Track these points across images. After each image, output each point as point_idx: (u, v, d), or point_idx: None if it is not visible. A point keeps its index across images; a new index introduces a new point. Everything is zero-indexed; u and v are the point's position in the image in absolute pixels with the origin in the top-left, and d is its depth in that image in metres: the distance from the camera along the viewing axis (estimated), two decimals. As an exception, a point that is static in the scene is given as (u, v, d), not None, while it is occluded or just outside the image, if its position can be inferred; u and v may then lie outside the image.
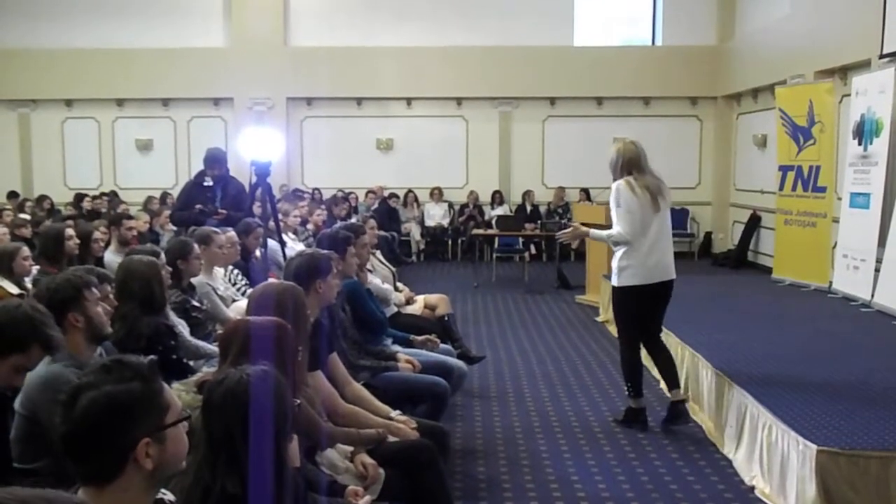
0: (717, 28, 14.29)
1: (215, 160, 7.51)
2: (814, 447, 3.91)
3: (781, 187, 10.45)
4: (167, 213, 10.74)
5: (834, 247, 9.30)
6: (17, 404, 2.82)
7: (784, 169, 10.37)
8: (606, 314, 8.97)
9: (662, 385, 5.96)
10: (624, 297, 5.39)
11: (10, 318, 2.57)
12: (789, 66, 11.00)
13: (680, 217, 14.59)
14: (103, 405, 1.66)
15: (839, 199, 9.34)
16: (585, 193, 13.60)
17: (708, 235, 14.69)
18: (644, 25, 14.96)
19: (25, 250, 5.39)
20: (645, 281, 5.29)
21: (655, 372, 6.01)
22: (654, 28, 14.87)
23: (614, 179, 5.32)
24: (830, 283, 9.16)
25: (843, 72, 9.93)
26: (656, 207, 5.25)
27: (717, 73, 14.06)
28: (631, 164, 5.28)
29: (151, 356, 1.79)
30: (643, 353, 5.61)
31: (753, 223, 12.98)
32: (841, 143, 9.49)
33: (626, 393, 5.57)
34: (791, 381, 5.10)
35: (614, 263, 5.37)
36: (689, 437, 5.33)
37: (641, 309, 5.38)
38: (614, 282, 5.39)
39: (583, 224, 6.06)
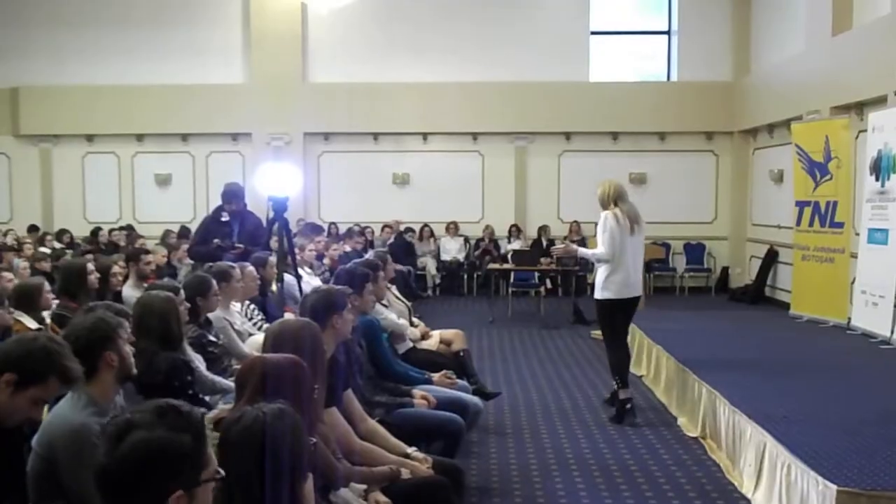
0: (732, 64, 14.35)
1: (233, 195, 7.57)
2: (834, 487, 3.86)
3: (798, 223, 10.42)
4: (185, 247, 10.82)
5: (852, 282, 9.24)
6: (34, 442, 2.81)
7: (801, 204, 10.35)
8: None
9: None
10: (605, 309, 6.52)
11: (27, 350, 2.57)
12: (805, 102, 11.01)
13: (697, 252, 14.58)
14: (153, 449, 1.65)
15: (857, 234, 9.30)
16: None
17: (725, 270, 14.62)
18: (659, 61, 15.04)
19: (47, 285, 5.44)
20: (622, 295, 6.43)
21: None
22: (669, 64, 14.94)
23: (603, 209, 6.48)
24: (849, 319, 9.07)
25: (860, 107, 9.93)
26: (632, 231, 6.41)
27: (733, 109, 14.09)
28: (616, 196, 6.47)
29: (203, 410, 1.80)
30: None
31: (771, 258, 12.92)
32: (858, 179, 9.47)
33: (616, 385, 6.56)
34: (810, 419, 5.04)
35: (597, 279, 6.52)
36: (707, 476, 5.27)
37: (618, 317, 6.55)
38: (597, 295, 6.53)
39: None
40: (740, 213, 14.37)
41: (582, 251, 7.04)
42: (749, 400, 5.47)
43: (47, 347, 2.59)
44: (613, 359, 6.56)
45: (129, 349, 3.09)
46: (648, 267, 12.35)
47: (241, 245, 7.26)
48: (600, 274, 6.46)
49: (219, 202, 7.73)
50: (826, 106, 10.46)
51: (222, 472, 1.83)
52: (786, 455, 4.42)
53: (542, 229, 14.40)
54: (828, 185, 9.87)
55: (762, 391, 5.79)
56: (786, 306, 11.00)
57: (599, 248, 6.40)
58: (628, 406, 6.43)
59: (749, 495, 4.83)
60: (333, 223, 14.09)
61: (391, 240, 13.92)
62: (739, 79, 14.14)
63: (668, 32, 14.95)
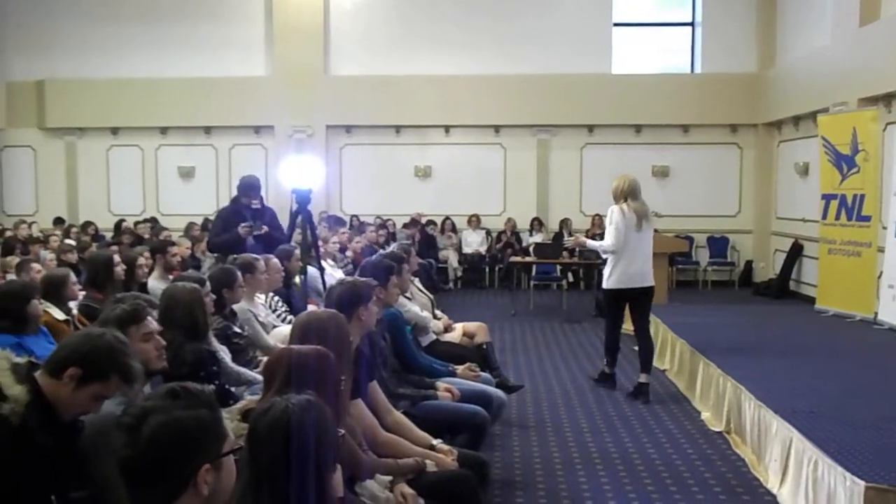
0: (757, 56, 14.21)
1: (251, 188, 7.48)
2: (862, 483, 3.82)
3: (825, 216, 10.30)
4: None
5: (879, 276, 9.13)
6: None
7: (827, 197, 10.24)
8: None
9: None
10: (610, 297, 7.02)
11: (93, 346, 2.59)
12: (832, 94, 10.89)
13: (720, 245, 14.46)
14: (174, 430, 1.69)
15: (884, 228, 9.19)
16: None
17: (749, 264, 14.50)
18: (683, 53, 14.92)
19: (73, 277, 5.48)
20: (625, 285, 6.85)
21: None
22: (693, 56, 14.82)
23: (615, 203, 6.91)
24: (876, 313, 8.98)
25: (888, 99, 9.80)
26: (639, 227, 6.82)
27: (758, 101, 13.96)
28: (628, 192, 6.88)
29: (211, 385, 1.83)
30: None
31: (795, 252, 12.80)
32: (886, 172, 9.35)
33: (605, 363, 7.29)
34: (837, 414, 4.98)
35: (605, 270, 7.00)
36: (732, 471, 5.23)
37: (622, 306, 7.03)
38: (604, 284, 7.06)
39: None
40: (765, 206, 14.24)
41: (591, 243, 7.51)
42: (775, 394, 5.43)
43: (113, 345, 2.62)
44: (607, 340, 7.21)
45: (149, 345, 3.11)
46: (671, 260, 12.27)
47: (265, 227, 7.26)
48: (607, 265, 6.98)
49: (234, 195, 7.68)
50: (853, 98, 10.33)
51: (240, 442, 1.87)
52: (812, 450, 4.38)
53: (564, 222, 14.34)
54: (855, 178, 9.75)
55: (788, 386, 5.73)
56: (811, 301, 10.90)
57: (606, 241, 6.92)
58: (609, 380, 7.23)
59: (774, 490, 4.79)
60: (355, 216, 14.12)
61: (418, 236, 13.77)
62: (764, 71, 14.00)
63: (691, 24, 14.82)
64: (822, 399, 5.38)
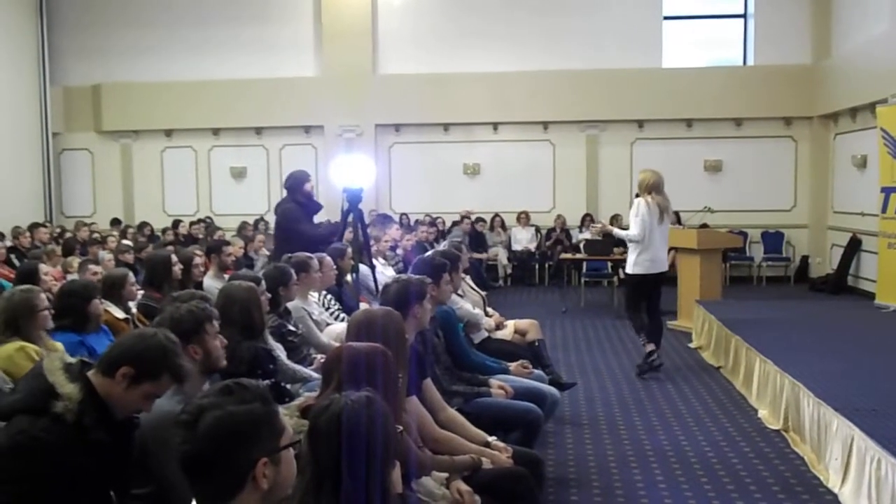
0: (811, 46, 13.91)
1: (304, 179, 7.47)
2: (928, 483, 3.73)
3: (884, 209, 10.05)
4: (261, 237, 11.06)
5: (942, 271, 8.89)
6: None
7: (887, 191, 9.99)
8: (699, 340, 8.78)
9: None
10: (636, 282, 7.61)
11: (145, 346, 2.65)
12: (891, 84, 10.60)
13: (775, 240, 14.21)
14: (228, 424, 1.73)
15: (947, 221, 8.94)
16: (675, 216, 13.33)
17: (804, 259, 14.22)
18: (735, 46, 14.68)
19: (132, 277, 5.60)
20: (648, 271, 7.48)
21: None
22: (745, 48, 14.58)
23: (637, 196, 7.57)
24: (939, 309, 8.74)
25: (950, 89, 9.53)
26: (661, 220, 7.45)
27: (813, 93, 13.67)
28: (652, 187, 7.45)
29: (266, 381, 1.86)
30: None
31: (853, 247, 12.51)
32: (948, 164, 9.10)
33: (642, 343, 7.63)
34: (900, 413, 4.87)
35: (629, 257, 7.61)
36: (791, 469, 5.14)
37: (645, 290, 7.59)
38: (628, 270, 7.70)
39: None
40: (821, 200, 13.94)
41: (616, 231, 8.19)
42: (834, 392, 5.30)
43: (164, 345, 2.67)
44: (634, 322, 7.72)
45: (217, 342, 3.16)
46: (725, 256, 12.08)
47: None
48: (631, 253, 7.56)
49: (285, 190, 7.68)
50: (914, 88, 10.06)
51: (299, 437, 1.89)
52: (875, 449, 4.28)
53: (615, 218, 14.18)
54: (916, 170, 9.51)
55: (848, 383, 5.59)
56: (870, 296, 10.65)
57: (632, 230, 7.46)
58: (652, 358, 7.50)
59: (836, 490, 4.69)
60: (405, 214, 14.18)
61: (469, 229, 13.86)
62: (819, 61, 13.70)
63: (744, 15, 14.57)
64: (883, 397, 5.24)
